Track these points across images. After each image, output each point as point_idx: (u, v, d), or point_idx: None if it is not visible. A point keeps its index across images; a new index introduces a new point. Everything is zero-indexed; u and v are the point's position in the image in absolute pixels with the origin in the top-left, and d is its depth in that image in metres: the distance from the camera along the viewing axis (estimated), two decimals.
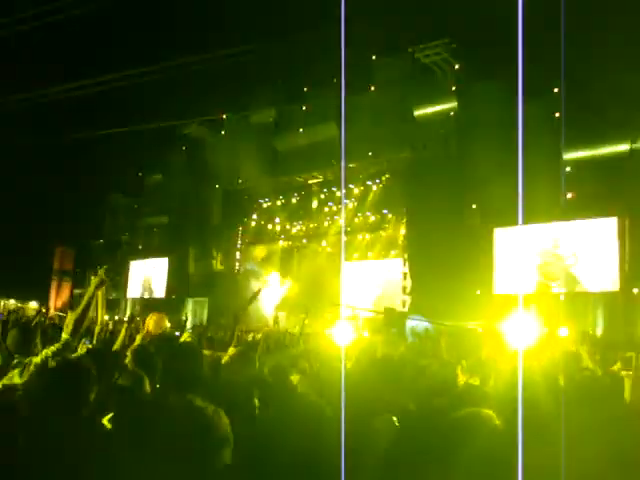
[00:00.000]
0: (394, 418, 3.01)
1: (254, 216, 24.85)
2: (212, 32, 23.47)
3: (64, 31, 22.67)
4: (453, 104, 18.32)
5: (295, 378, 4.17)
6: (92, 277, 4.27)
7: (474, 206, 17.54)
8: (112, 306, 26.95)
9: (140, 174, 28.46)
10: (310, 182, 22.62)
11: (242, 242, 25.03)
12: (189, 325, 20.78)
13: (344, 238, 24.41)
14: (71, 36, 23.26)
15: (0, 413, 2.26)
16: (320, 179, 22.30)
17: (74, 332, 3.92)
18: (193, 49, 19.71)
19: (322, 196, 22.94)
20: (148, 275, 27.16)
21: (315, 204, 23.24)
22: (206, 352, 4.56)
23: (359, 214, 22.55)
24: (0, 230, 24.24)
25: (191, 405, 1.34)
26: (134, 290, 27.96)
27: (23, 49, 23.17)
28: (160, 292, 26.10)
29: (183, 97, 24.61)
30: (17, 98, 18.77)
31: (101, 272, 4.27)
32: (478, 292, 16.91)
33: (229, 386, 3.01)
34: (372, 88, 20.30)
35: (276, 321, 21.73)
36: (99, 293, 4.23)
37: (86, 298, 4.08)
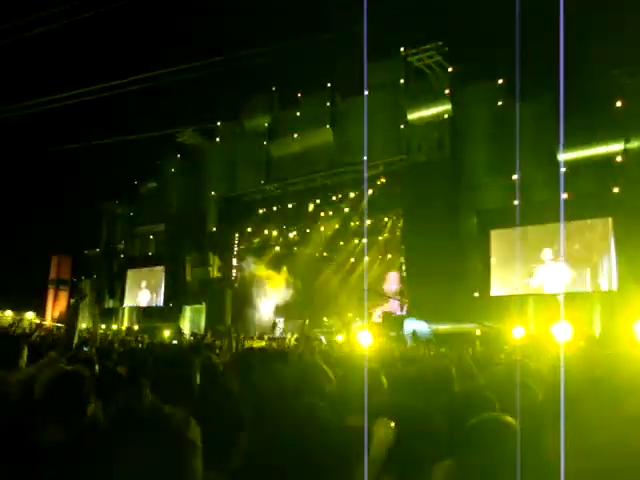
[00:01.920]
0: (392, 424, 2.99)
1: (250, 222, 24.81)
2: (206, 39, 23.53)
3: (58, 40, 22.70)
4: (447, 107, 18.33)
5: None
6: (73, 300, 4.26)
7: (470, 208, 17.54)
8: (109, 315, 26.89)
9: (135, 182, 28.43)
10: (305, 187, 22.59)
11: (239, 248, 24.98)
12: (187, 333, 20.80)
13: (340, 243, 24.41)
14: (65, 45, 23.28)
15: None
16: (315, 184, 22.27)
17: (65, 350, 3.88)
18: (187, 57, 19.74)
19: (317, 201, 22.92)
20: (145, 283, 27.05)
21: (311, 209, 23.23)
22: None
23: (355, 218, 22.55)
24: None
25: (158, 411, 1.34)
26: (131, 299, 27.84)
27: (13, 59, 23.17)
28: (157, 300, 26.00)
29: (177, 105, 24.65)
30: (11, 107, 18.76)
31: (84, 287, 4.28)
32: (476, 294, 16.90)
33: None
34: (365, 92, 20.31)
35: (274, 327, 21.80)
36: (83, 307, 4.21)
37: (70, 315, 4.08)
